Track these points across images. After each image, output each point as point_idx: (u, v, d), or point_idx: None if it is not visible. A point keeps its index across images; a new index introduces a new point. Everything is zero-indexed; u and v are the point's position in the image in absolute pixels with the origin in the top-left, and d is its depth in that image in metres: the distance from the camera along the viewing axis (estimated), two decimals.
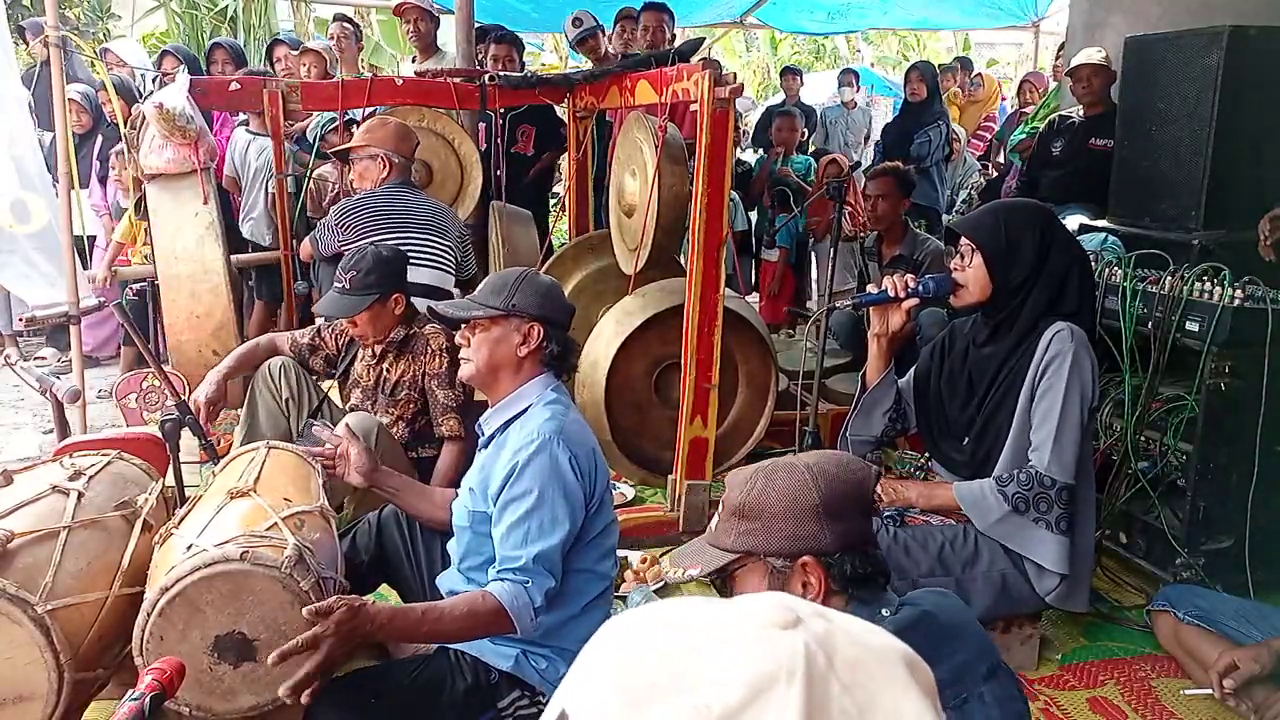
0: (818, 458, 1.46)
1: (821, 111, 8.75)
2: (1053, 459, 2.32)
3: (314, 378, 3.36)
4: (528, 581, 1.93)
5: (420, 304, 3.54)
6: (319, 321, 3.43)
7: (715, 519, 1.52)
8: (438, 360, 3.09)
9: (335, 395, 3.47)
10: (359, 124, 4.24)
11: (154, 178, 3.70)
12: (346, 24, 6.43)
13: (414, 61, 5.66)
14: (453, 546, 2.25)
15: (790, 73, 8.70)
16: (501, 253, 4.47)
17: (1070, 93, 4.91)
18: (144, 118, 3.76)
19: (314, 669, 1.67)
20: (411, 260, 3.65)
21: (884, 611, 1.39)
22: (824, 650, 0.56)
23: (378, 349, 3.17)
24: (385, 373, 3.16)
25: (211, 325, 3.45)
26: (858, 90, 8.26)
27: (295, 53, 5.83)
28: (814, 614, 0.60)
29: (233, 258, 4.43)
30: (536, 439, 1.99)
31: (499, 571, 1.96)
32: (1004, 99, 9.07)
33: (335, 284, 3.08)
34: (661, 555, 3.16)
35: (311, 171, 4.96)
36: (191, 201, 3.56)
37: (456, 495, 2.37)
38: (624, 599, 2.85)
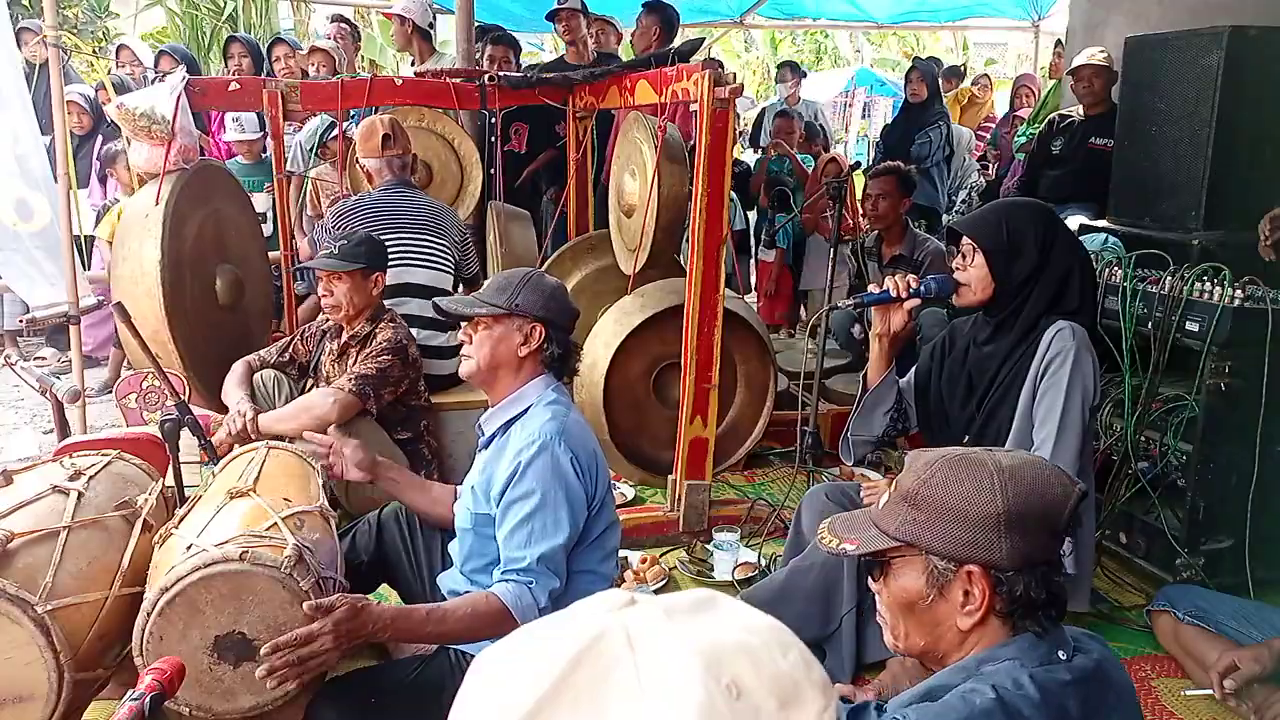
0: (1016, 462, 1.31)
1: (761, 109, 8.62)
2: (1054, 458, 2.32)
3: (299, 385, 3.45)
4: (532, 582, 1.94)
5: (415, 305, 3.57)
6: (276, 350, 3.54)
7: (885, 496, 1.39)
8: (376, 347, 3.19)
9: None
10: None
11: (152, 176, 3.71)
12: (344, 24, 6.44)
13: (413, 64, 5.68)
14: (454, 548, 2.25)
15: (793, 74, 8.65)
16: (499, 252, 4.47)
17: (1071, 92, 4.91)
18: None
19: (300, 660, 1.68)
20: (408, 260, 3.67)
21: (1060, 654, 1.28)
22: (628, 632, 0.64)
23: (341, 341, 3.28)
24: (347, 368, 3.24)
25: (148, 328, 3.43)
26: (797, 84, 8.04)
27: (303, 52, 5.85)
28: (648, 605, 0.67)
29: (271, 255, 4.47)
30: (538, 439, 1.99)
31: (503, 573, 1.97)
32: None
33: (323, 251, 3.22)
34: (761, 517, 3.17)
35: (310, 171, 4.97)
36: (149, 203, 3.55)
37: (457, 492, 2.38)
38: None
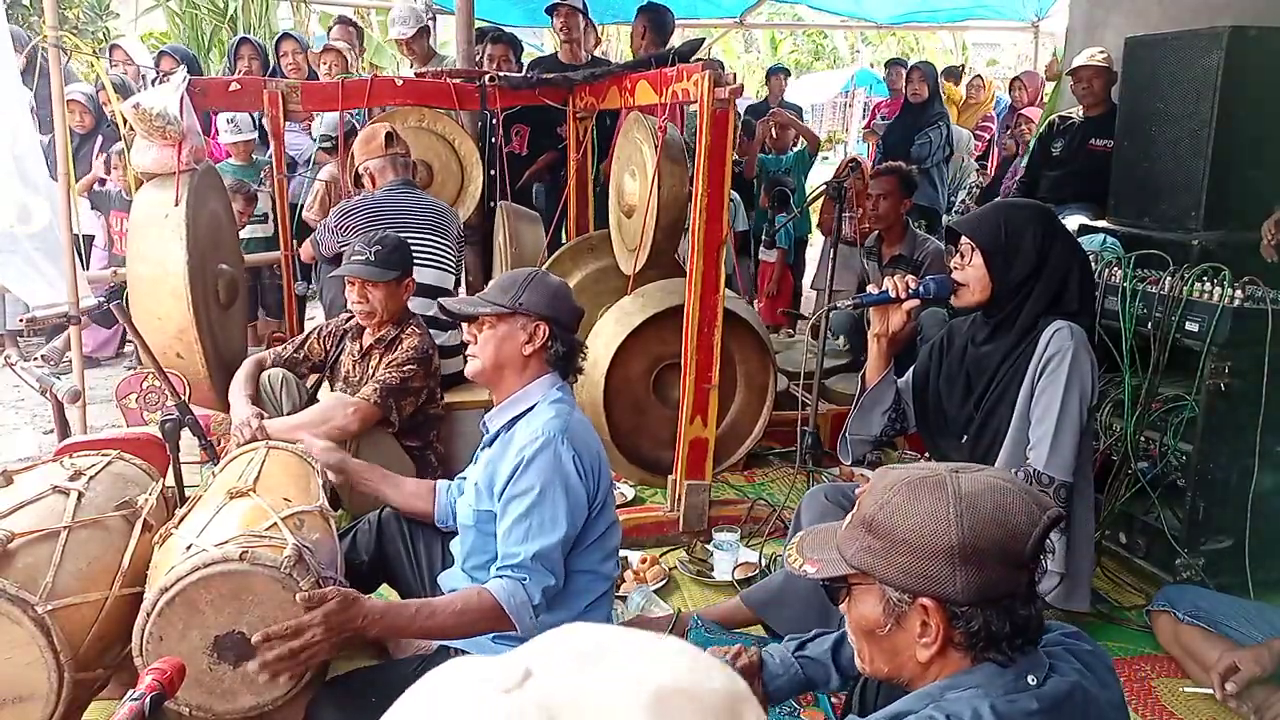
0: (979, 487, 1.23)
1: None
2: (1051, 457, 2.32)
3: (306, 384, 3.44)
4: (526, 579, 1.94)
5: (417, 304, 3.57)
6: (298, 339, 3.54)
7: (850, 515, 1.35)
8: (402, 354, 3.18)
9: (323, 394, 3.53)
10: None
11: (152, 178, 3.71)
12: (350, 27, 6.43)
13: (411, 66, 5.69)
14: (456, 546, 2.26)
15: (776, 73, 8.63)
16: (509, 252, 4.47)
17: (1071, 93, 4.91)
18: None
19: (291, 653, 1.69)
20: (413, 260, 3.66)
21: (1029, 679, 1.23)
22: (547, 711, 0.54)
23: (365, 343, 3.28)
24: (370, 369, 3.23)
25: (173, 328, 3.44)
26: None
27: (312, 50, 5.88)
28: (548, 669, 0.57)
29: (247, 258, 4.46)
30: (541, 436, 1.99)
31: (498, 568, 1.97)
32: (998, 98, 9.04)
33: (355, 256, 3.17)
34: (758, 544, 3.21)
35: (320, 174, 4.98)
36: (165, 203, 3.56)
37: (433, 485, 2.40)
38: (624, 599, 2.86)
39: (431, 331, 3.58)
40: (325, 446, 2.42)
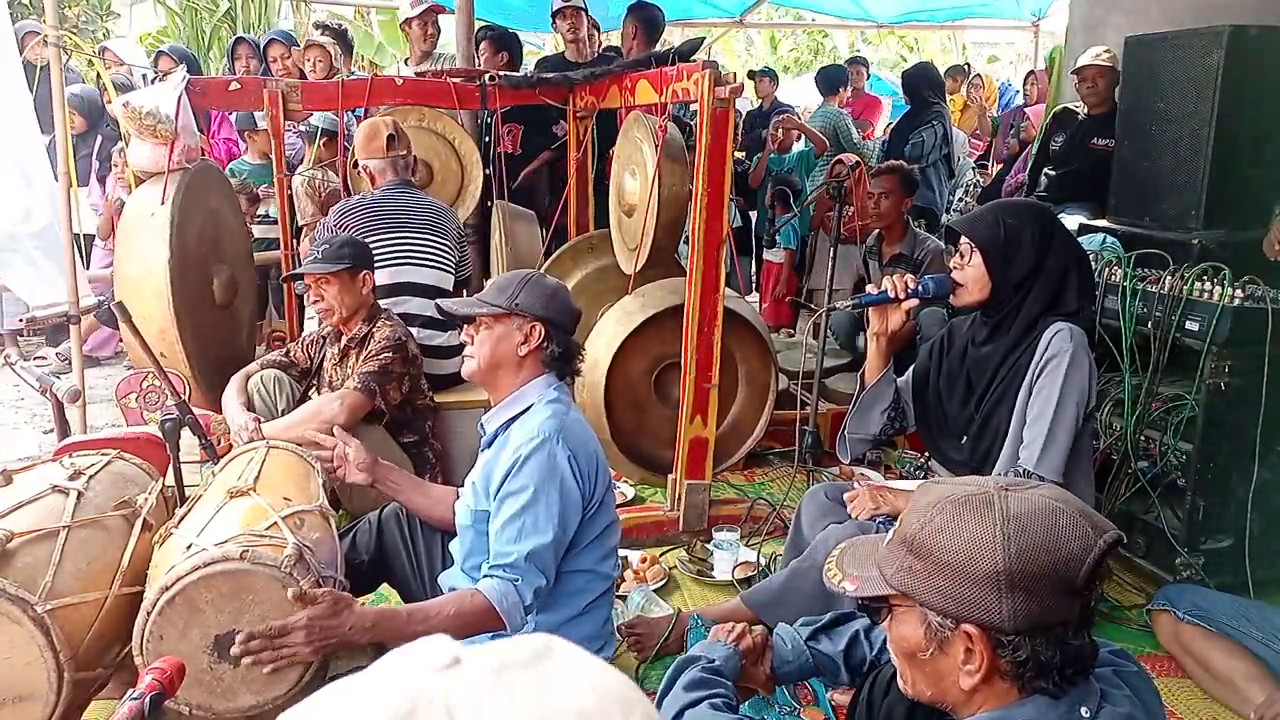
0: (1030, 508, 1.16)
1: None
2: (1042, 457, 2.31)
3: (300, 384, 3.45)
4: (518, 579, 1.94)
5: (416, 304, 3.57)
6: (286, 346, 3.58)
7: (893, 531, 1.28)
8: (375, 345, 3.18)
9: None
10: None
11: (150, 177, 3.71)
12: (330, 32, 6.32)
13: (405, 64, 5.65)
14: (455, 546, 2.26)
15: (759, 75, 8.48)
16: (505, 252, 4.47)
17: (1075, 91, 4.91)
18: None
19: (271, 646, 1.69)
20: (411, 260, 3.67)
21: (1083, 711, 1.17)
22: (447, 704, 0.54)
23: (341, 345, 3.28)
24: (349, 370, 3.24)
25: (155, 328, 3.43)
26: None
27: (298, 48, 5.81)
28: (482, 665, 0.57)
29: (257, 256, 4.48)
30: (538, 436, 2.00)
31: (490, 568, 1.98)
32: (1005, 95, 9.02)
33: (306, 258, 3.21)
34: (751, 544, 3.23)
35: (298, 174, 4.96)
36: (153, 202, 3.55)
37: (458, 493, 2.38)
38: (624, 598, 2.86)
39: (431, 332, 3.59)
40: (357, 445, 2.39)
